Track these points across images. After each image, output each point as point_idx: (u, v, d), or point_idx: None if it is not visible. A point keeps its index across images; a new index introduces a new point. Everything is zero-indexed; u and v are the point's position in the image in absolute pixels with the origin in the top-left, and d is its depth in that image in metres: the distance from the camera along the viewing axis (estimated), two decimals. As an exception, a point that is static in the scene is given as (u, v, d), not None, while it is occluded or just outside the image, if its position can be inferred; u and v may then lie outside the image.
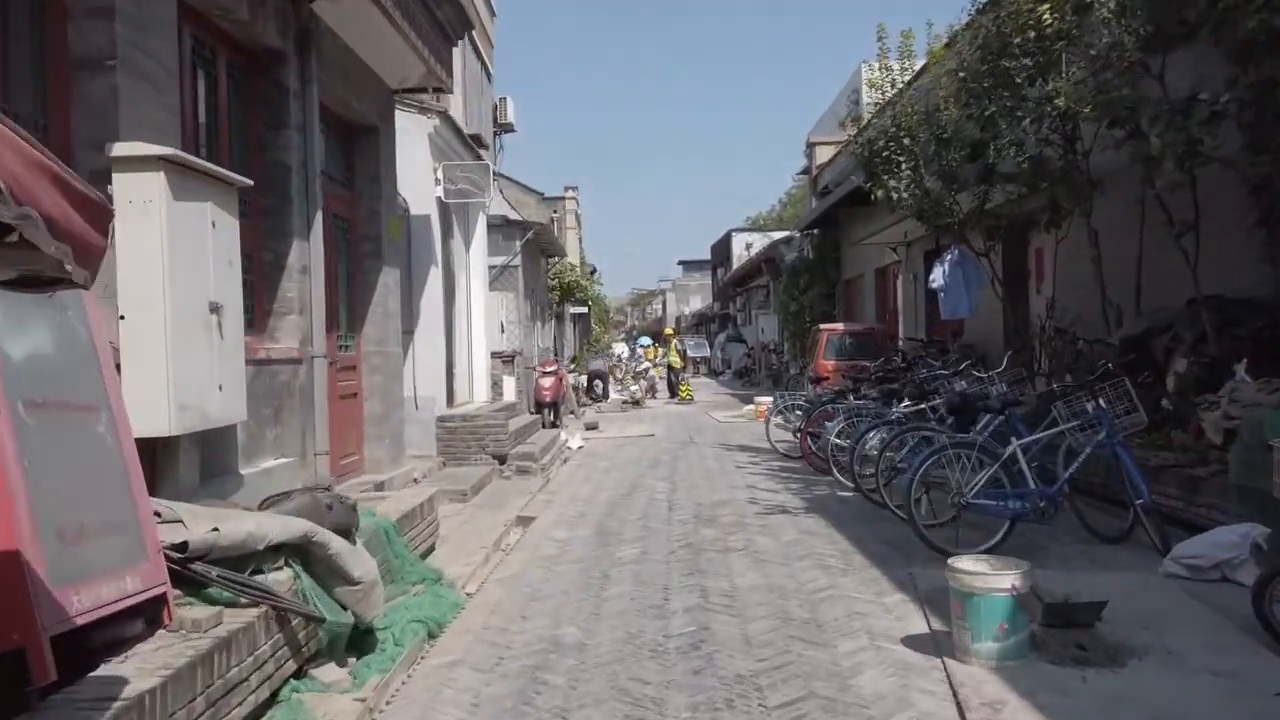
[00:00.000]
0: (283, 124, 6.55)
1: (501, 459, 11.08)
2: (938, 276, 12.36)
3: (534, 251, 20.09)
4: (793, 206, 51.12)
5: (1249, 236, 7.71)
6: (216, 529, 3.77)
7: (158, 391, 4.32)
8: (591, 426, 17.17)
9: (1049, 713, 3.74)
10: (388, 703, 4.20)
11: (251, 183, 5.40)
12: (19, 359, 3.10)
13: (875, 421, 8.94)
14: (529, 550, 7.30)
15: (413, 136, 10.64)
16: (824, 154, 25.50)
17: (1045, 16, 8.41)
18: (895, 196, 11.43)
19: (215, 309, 4.80)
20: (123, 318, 4.32)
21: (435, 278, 11.20)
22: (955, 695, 4.00)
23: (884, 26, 12.26)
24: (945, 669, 4.29)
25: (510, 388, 14.53)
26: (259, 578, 3.91)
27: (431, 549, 6.84)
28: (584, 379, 24.65)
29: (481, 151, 13.94)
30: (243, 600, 3.73)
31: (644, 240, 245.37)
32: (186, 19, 5.43)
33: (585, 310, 34.13)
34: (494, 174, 13.78)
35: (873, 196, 12.23)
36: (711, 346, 43.33)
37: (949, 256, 12.24)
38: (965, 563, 4.51)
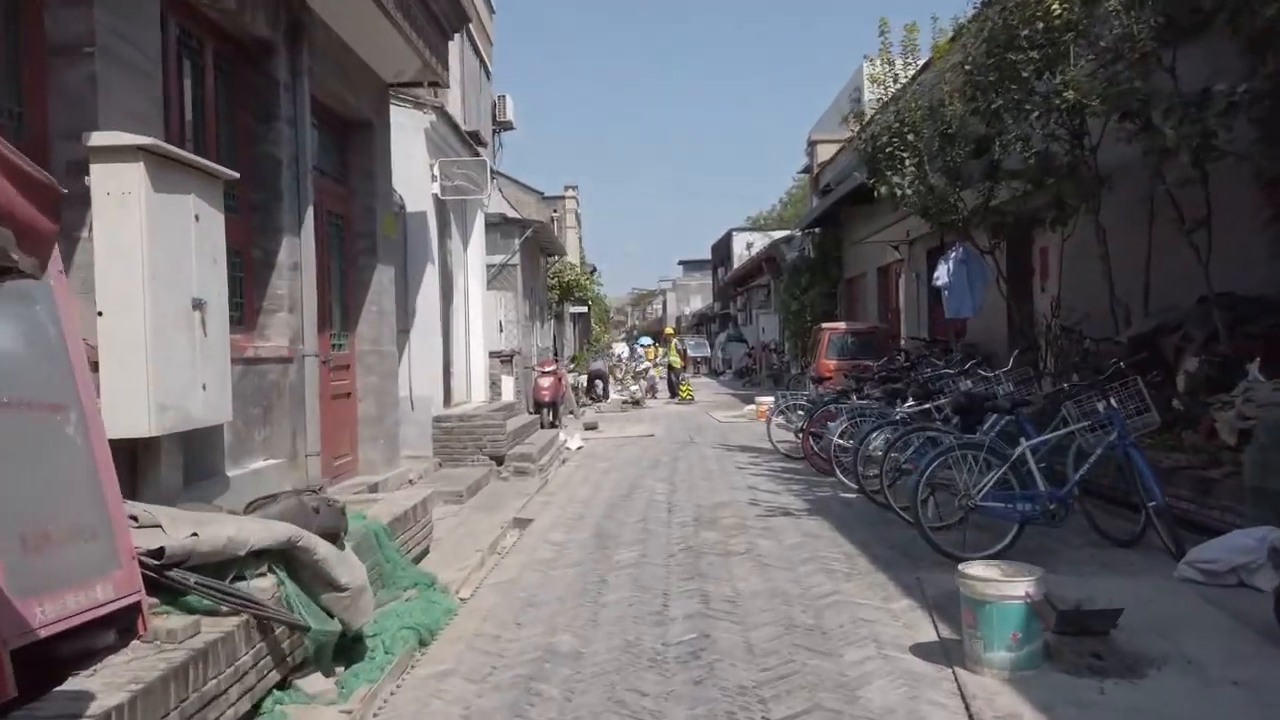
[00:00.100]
0: (273, 117, 6.41)
1: (499, 460, 10.92)
2: (941, 275, 12.20)
3: (533, 250, 19.94)
4: (793, 206, 51.03)
5: (1261, 233, 7.57)
6: (196, 534, 3.61)
7: (137, 391, 4.18)
8: (591, 427, 17.01)
9: (1066, 727, 3.58)
10: (375, 714, 4.03)
11: (237, 175, 5.25)
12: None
13: (879, 422, 8.79)
14: (525, 553, 7.13)
15: (408, 132, 10.49)
16: (825, 152, 25.38)
17: (1054, 7, 8.25)
18: (899, 193, 11.24)
19: (199, 305, 4.65)
20: (100, 314, 4.18)
21: (432, 276, 11.03)
22: (968, 708, 3.85)
23: (886, 21, 12.01)
24: (956, 679, 4.13)
25: (508, 388, 14.38)
26: (241, 584, 3.74)
27: (425, 552, 6.68)
28: (584, 379, 24.51)
29: (480, 149, 13.77)
30: (223, 608, 3.56)
31: (644, 240, 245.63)
32: (171, 7, 5.28)
33: (585, 310, 34.02)
34: (492, 171, 13.62)
35: (876, 193, 12.05)
36: (712, 346, 43.19)
37: (953, 254, 12.07)
38: (976, 569, 4.35)
